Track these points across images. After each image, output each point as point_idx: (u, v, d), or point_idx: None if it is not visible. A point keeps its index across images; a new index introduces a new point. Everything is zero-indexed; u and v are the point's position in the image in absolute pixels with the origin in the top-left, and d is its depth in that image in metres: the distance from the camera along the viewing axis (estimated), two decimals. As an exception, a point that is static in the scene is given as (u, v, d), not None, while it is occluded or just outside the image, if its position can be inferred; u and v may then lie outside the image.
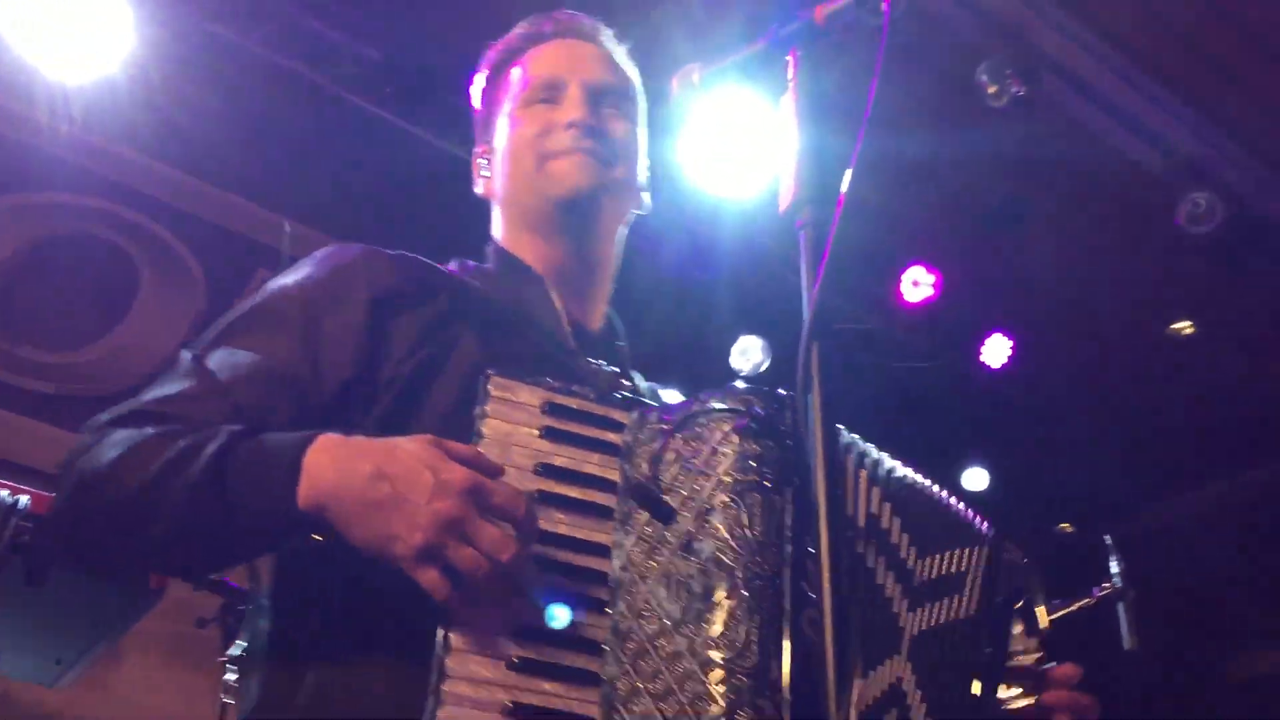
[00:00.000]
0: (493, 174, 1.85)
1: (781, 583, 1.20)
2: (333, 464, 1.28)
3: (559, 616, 1.19)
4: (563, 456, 1.31)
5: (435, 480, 1.23)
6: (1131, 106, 5.41)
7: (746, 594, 1.19)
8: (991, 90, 5.00)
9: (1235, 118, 5.52)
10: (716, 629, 1.18)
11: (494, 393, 1.31)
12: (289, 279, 1.60)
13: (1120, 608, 2.82)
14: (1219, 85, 5.37)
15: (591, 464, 1.31)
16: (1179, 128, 5.51)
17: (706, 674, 1.16)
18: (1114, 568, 2.88)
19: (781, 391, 1.36)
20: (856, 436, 1.45)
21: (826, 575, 1.08)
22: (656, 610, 1.21)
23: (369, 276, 1.57)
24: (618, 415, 1.35)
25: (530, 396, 1.32)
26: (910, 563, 1.45)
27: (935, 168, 5.70)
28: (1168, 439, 7.78)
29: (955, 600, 1.47)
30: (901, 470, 1.50)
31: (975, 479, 6.57)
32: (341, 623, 1.39)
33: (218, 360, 1.49)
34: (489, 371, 1.33)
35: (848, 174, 1.28)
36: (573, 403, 1.34)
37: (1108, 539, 2.94)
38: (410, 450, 1.26)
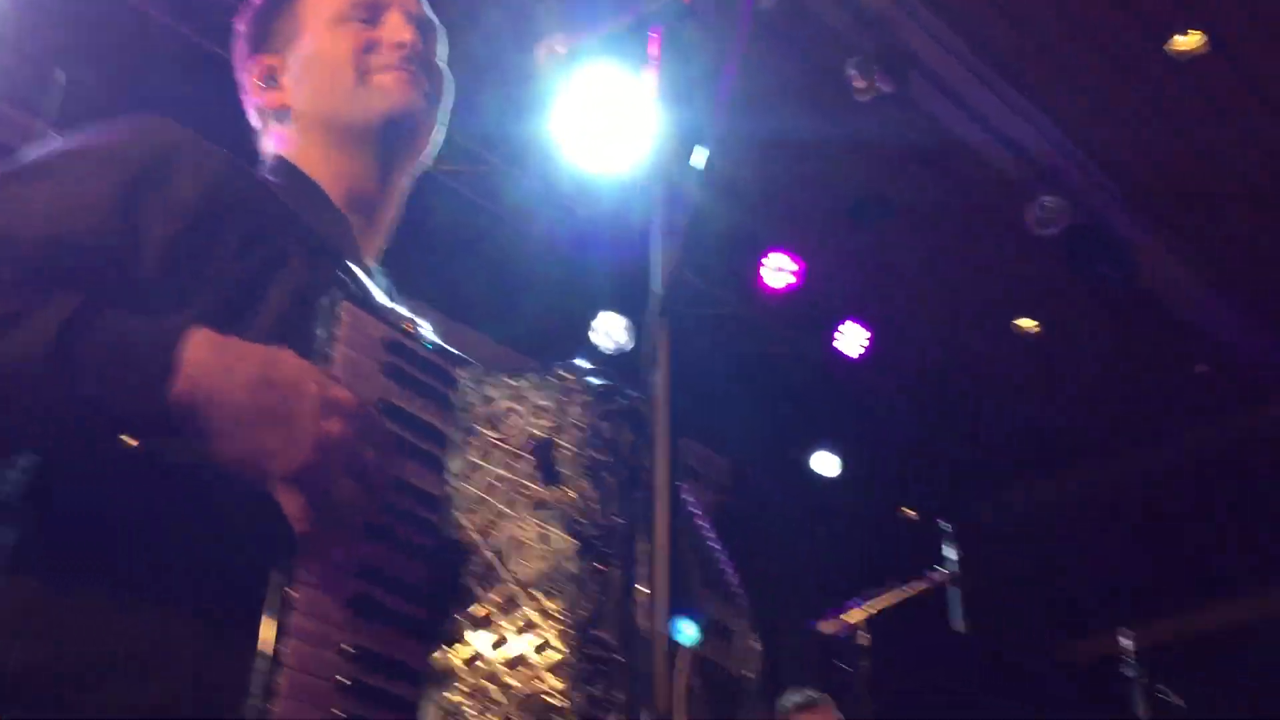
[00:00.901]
0: (288, 87, 1.70)
1: (620, 555, 1.22)
2: (213, 361, 1.14)
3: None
4: (402, 399, 1.26)
5: (324, 397, 1.13)
6: (989, 108, 5.58)
7: (587, 560, 1.20)
8: (859, 85, 5.10)
9: (1085, 126, 5.75)
10: (557, 591, 1.19)
11: (345, 319, 1.23)
12: (103, 139, 1.41)
13: (953, 592, 2.94)
14: (1072, 94, 5.59)
15: (429, 413, 1.28)
16: (1032, 132, 5.71)
17: (545, 631, 1.17)
18: (949, 553, 3.00)
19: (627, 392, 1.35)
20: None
21: (660, 549, 1.09)
22: (496, 565, 1.21)
23: (197, 160, 1.41)
24: (453, 369, 1.33)
25: (376, 330, 1.27)
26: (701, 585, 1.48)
27: (801, 153, 5.80)
28: (1010, 432, 8.09)
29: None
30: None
31: (826, 464, 6.72)
32: (131, 549, 1.19)
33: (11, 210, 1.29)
34: (339, 294, 1.24)
35: (701, 152, 1.28)
36: (414, 346, 1.30)
37: (944, 525, 3.06)
38: (294, 361, 1.15)
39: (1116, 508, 8.84)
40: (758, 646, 1.52)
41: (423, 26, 1.72)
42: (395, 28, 1.67)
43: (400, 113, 1.64)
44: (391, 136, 1.66)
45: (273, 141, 1.70)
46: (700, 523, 1.50)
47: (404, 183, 1.73)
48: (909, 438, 7.89)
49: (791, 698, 4.09)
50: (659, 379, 1.22)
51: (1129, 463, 8.38)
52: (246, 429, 1.12)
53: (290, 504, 1.11)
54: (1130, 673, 3.62)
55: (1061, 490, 8.73)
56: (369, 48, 1.66)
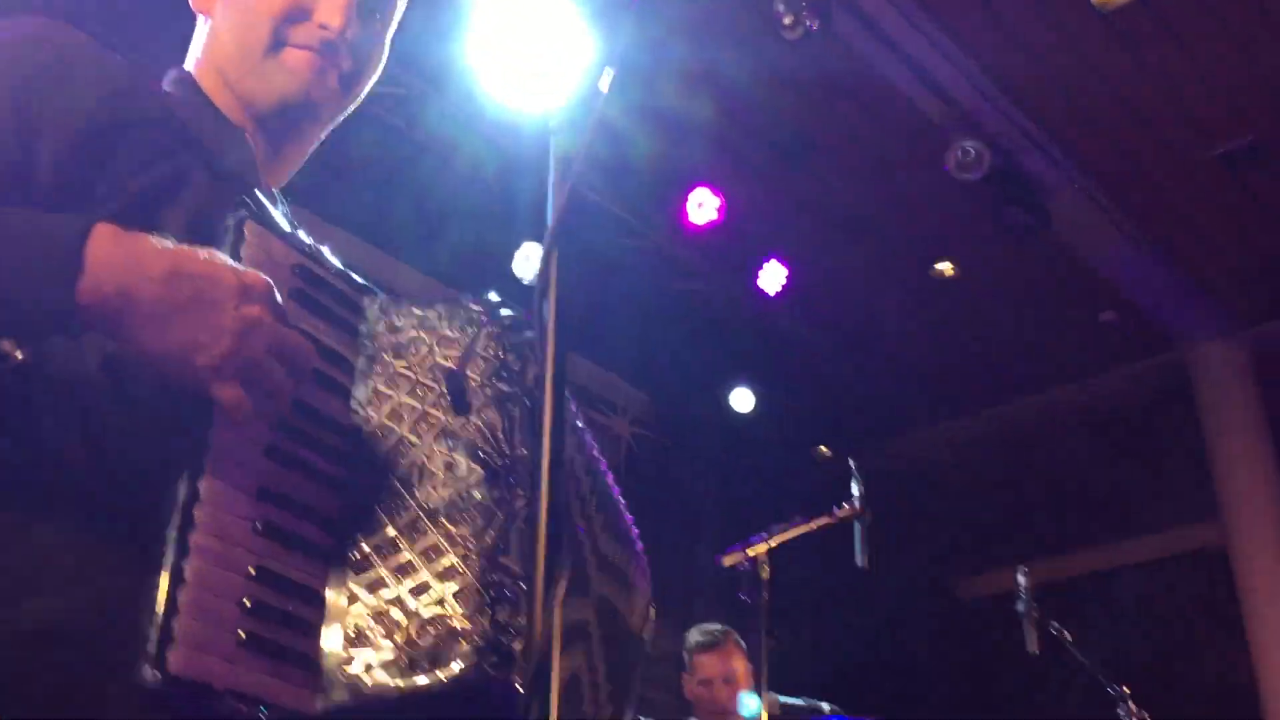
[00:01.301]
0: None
1: (520, 486, 1.23)
2: (122, 257, 1.09)
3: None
4: (309, 325, 1.24)
5: (240, 283, 1.10)
6: (915, 48, 5.60)
7: (493, 489, 1.21)
8: (787, 21, 5.09)
9: (1009, 70, 5.81)
10: (464, 519, 1.20)
11: (250, 239, 1.21)
12: None
13: (857, 527, 3.02)
14: (996, 37, 5.63)
15: (336, 340, 1.28)
16: (956, 74, 5.75)
17: (451, 558, 1.19)
18: (855, 490, 3.07)
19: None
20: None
21: (546, 483, 1.11)
22: (402, 493, 1.22)
23: (97, 67, 1.34)
24: (360, 297, 1.33)
25: (282, 254, 1.25)
26: (599, 529, 1.48)
27: (728, 89, 5.79)
28: (923, 373, 8.25)
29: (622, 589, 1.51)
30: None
31: (742, 400, 6.80)
32: (24, 463, 1.15)
33: None
34: (243, 215, 1.22)
35: (609, 73, 1.26)
36: (323, 274, 1.30)
37: (852, 462, 3.13)
38: (203, 252, 1.12)
39: (1021, 449, 9.09)
40: (646, 602, 1.51)
41: (364, 9, 1.56)
42: (329, 7, 1.52)
43: (297, 101, 1.52)
44: (283, 120, 1.54)
45: (197, 45, 1.60)
46: (594, 455, 1.50)
47: (313, 140, 1.62)
48: (824, 376, 8.01)
49: (694, 636, 4.19)
50: (548, 310, 1.22)
51: (1036, 406, 8.60)
52: (165, 322, 1.09)
53: (222, 393, 1.09)
54: (1022, 607, 3.74)
55: (969, 431, 8.94)
56: (294, 16, 1.51)
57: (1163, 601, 9.98)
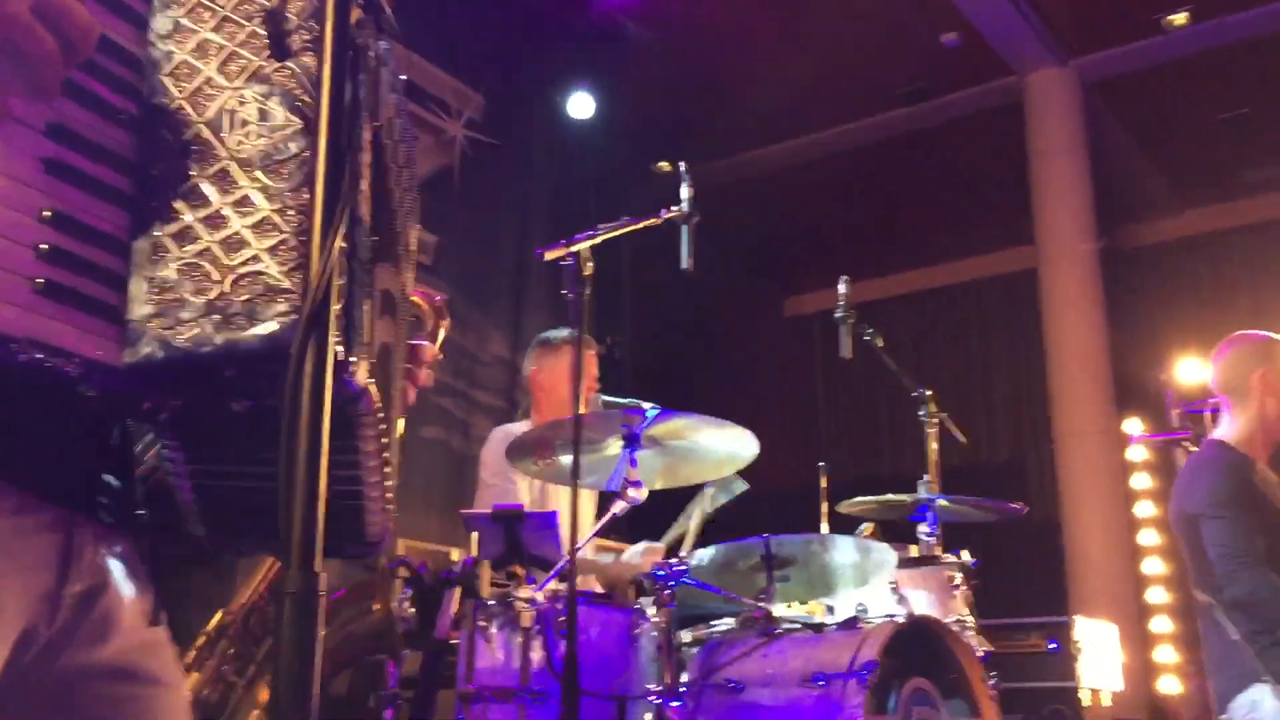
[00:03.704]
0: None
1: (348, 139, 1.15)
2: None
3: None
4: None
5: None
6: None
7: (308, 143, 1.15)
8: None
9: None
10: (279, 172, 1.14)
11: None
12: None
13: (684, 230, 3.06)
14: None
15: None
16: None
17: (265, 210, 1.13)
18: (684, 193, 3.10)
19: None
20: None
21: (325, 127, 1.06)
22: (210, 139, 1.15)
23: None
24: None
25: None
26: (408, 210, 1.41)
27: None
28: (766, 90, 8.22)
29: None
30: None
31: (581, 106, 6.68)
32: None
33: None
34: None
35: None
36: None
37: (682, 165, 3.14)
38: None
39: (857, 170, 9.28)
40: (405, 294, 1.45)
41: None
42: None
43: None
44: None
45: None
46: (409, 130, 1.43)
47: None
48: (666, 89, 7.92)
49: (550, 333, 4.25)
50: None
51: (874, 126, 8.72)
52: None
53: (33, 35, 0.99)
54: (840, 314, 3.91)
55: (808, 151, 9.05)
56: None
57: (973, 320, 10.61)
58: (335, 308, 1.06)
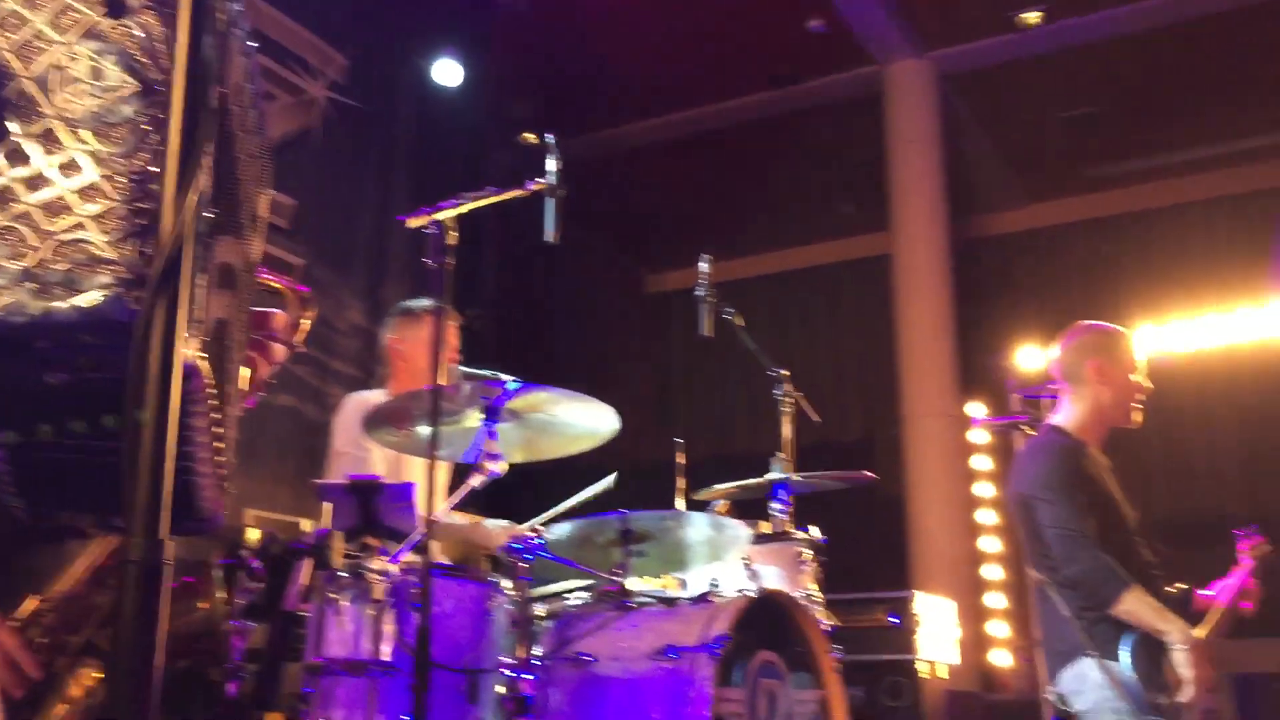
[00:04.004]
0: None
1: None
2: None
3: None
4: None
5: None
6: None
7: (149, 106, 1.10)
8: None
9: None
10: (110, 135, 1.09)
11: None
12: None
13: (550, 203, 3.04)
14: None
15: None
16: None
17: (92, 175, 1.08)
18: (551, 166, 3.08)
19: None
20: None
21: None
22: (36, 96, 1.09)
23: None
24: None
25: None
26: (254, 177, 1.37)
27: None
28: (635, 68, 8.23)
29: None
30: None
31: (448, 72, 6.57)
32: None
33: None
34: None
35: None
36: None
37: (550, 138, 3.12)
38: None
39: (720, 152, 9.37)
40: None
41: None
42: None
43: None
44: None
45: None
46: (259, 97, 1.37)
47: None
48: (532, 60, 7.86)
49: (412, 302, 4.18)
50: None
51: (738, 110, 8.81)
52: None
53: None
54: (701, 292, 3.95)
55: (673, 130, 9.09)
56: None
57: (828, 303, 10.85)
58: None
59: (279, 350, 1.54)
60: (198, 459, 1.20)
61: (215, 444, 1.22)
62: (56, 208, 1.08)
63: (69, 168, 1.09)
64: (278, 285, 1.59)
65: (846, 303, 10.74)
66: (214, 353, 1.17)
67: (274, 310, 1.55)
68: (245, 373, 1.46)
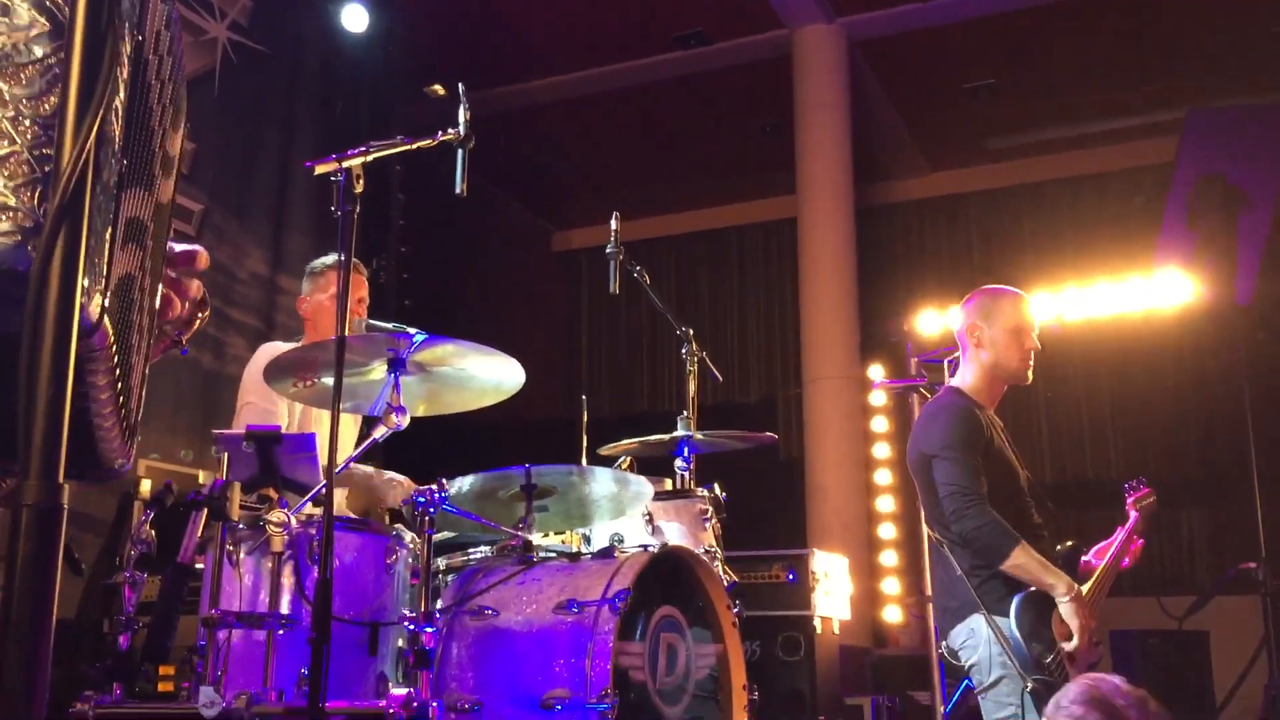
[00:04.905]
0: None
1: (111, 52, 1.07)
2: None
3: None
4: None
5: None
6: None
7: (54, 47, 1.05)
8: None
9: None
10: (17, 76, 1.05)
11: None
12: None
13: (460, 154, 3.01)
14: None
15: None
16: None
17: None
18: (461, 115, 3.04)
19: None
20: None
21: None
22: None
23: None
24: None
25: None
26: (168, 125, 1.32)
27: None
28: (547, 21, 8.14)
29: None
30: None
31: (354, 18, 6.42)
32: None
33: None
34: None
35: None
36: None
37: (461, 87, 3.08)
38: None
39: (627, 112, 9.34)
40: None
41: None
42: None
43: None
44: None
45: None
46: (178, 42, 1.32)
47: None
48: (441, 10, 7.73)
49: (326, 258, 4.11)
50: None
51: (648, 69, 8.77)
52: None
53: None
54: (610, 250, 3.95)
55: (582, 88, 9.02)
56: None
57: (733, 265, 10.92)
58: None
59: (195, 286, 1.50)
60: (100, 414, 1.17)
61: (119, 397, 1.19)
62: (-45, 148, 1.03)
63: (-28, 110, 1.04)
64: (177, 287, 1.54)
65: (752, 265, 10.83)
66: (116, 309, 1.13)
67: (194, 248, 1.51)
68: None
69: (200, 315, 1.60)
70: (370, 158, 2.72)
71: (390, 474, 3.84)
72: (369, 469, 3.85)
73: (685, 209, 10.90)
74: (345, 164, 2.67)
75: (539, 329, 10.80)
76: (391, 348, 2.94)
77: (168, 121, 1.31)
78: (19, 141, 1.04)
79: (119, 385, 1.19)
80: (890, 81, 8.88)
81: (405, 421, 2.90)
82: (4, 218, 1.02)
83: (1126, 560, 3.60)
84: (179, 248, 1.48)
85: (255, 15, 5.99)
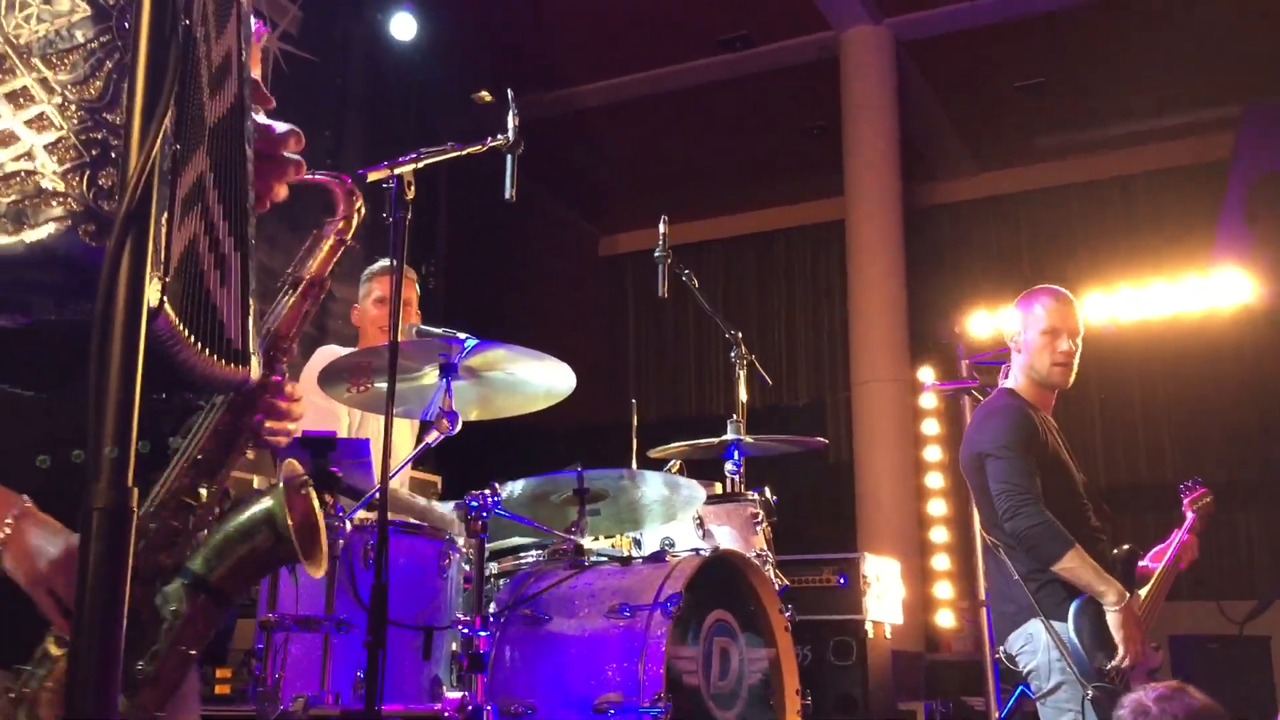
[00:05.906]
0: None
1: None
2: None
3: None
4: None
5: None
6: None
7: (103, 31, 1.06)
8: None
9: None
10: (62, 62, 1.05)
11: None
12: None
13: (509, 160, 3.02)
14: None
15: None
16: None
17: (43, 104, 1.04)
18: (510, 122, 3.06)
19: None
20: None
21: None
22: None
23: None
24: None
25: None
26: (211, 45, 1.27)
27: None
28: (593, 27, 8.16)
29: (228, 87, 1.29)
30: None
31: (403, 27, 6.47)
32: None
33: None
34: None
35: None
36: None
37: (510, 93, 3.10)
38: None
39: (677, 116, 9.33)
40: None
41: None
42: None
43: None
44: None
45: None
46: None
47: None
48: (487, 16, 7.77)
49: (377, 264, 4.15)
50: None
51: (695, 73, 8.76)
52: None
53: None
54: (659, 253, 3.95)
55: (630, 91, 9.03)
56: None
57: (781, 267, 10.88)
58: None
59: (293, 141, 1.51)
60: (192, 348, 1.16)
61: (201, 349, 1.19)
62: (4, 139, 1.03)
63: (18, 97, 1.04)
64: (322, 181, 1.56)
65: (799, 267, 10.79)
66: (183, 281, 1.13)
67: (274, 125, 1.50)
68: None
69: (357, 209, 1.60)
70: (422, 164, 2.74)
71: (442, 509, 3.85)
72: (423, 501, 3.88)
73: (732, 212, 10.88)
74: (397, 170, 2.70)
75: (586, 333, 10.82)
76: (444, 353, 2.95)
77: (211, 41, 1.26)
78: (65, 126, 1.04)
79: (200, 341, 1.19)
80: (937, 82, 8.81)
81: (458, 427, 2.92)
82: (55, 203, 1.03)
83: (1183, 563, 3.54)
84: (280, 128, 1.47)
85: (305, 25, 6.05)
